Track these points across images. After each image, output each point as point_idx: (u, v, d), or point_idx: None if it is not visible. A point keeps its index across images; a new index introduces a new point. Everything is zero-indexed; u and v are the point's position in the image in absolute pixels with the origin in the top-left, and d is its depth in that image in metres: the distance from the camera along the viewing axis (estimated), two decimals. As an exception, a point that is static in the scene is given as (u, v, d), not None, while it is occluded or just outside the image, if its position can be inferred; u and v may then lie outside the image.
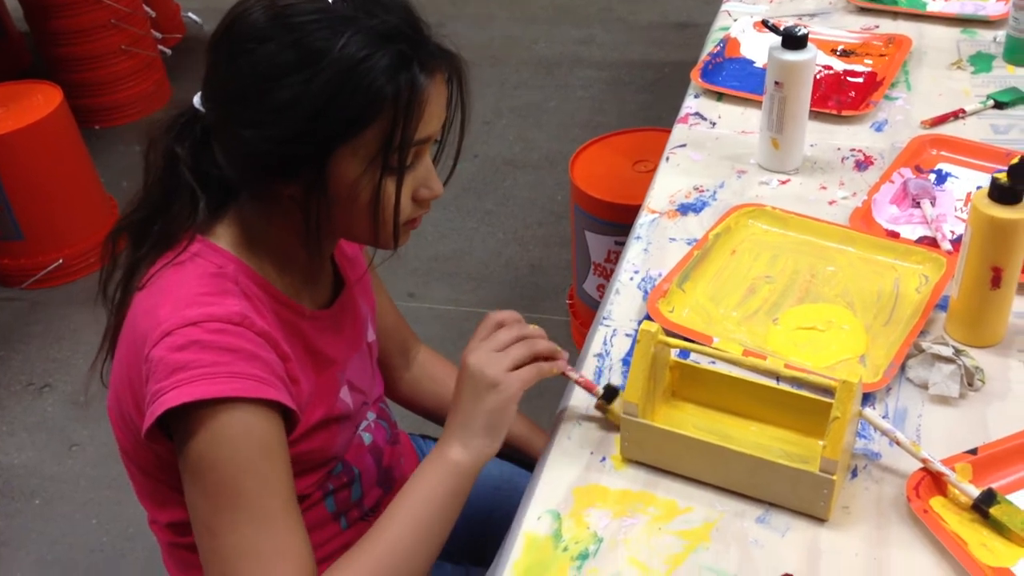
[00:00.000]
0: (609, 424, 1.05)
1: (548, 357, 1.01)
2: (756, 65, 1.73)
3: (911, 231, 1.32)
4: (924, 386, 1.07)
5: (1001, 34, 1.72)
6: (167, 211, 0.97)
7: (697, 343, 1.12)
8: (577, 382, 1.07)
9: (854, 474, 0.99)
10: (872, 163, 1.46)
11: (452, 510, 0.97)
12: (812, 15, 1.87)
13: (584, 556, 0.93)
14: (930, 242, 1.29)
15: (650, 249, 1.32)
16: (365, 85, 0.87)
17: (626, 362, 1.14)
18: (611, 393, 1.05)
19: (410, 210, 0.97)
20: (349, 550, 0.94)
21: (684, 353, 1.10)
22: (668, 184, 1.44)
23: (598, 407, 1.06)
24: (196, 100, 0.96)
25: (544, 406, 1.38)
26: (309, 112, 0.87)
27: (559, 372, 1.03)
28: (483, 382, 0.96)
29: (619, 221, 2.09)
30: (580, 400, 1.10)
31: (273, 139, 0.89)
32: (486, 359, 0.97)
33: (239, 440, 0.88)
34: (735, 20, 1.87)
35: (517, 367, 0.98)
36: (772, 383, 1.04)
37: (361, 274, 1.15)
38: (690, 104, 1.64)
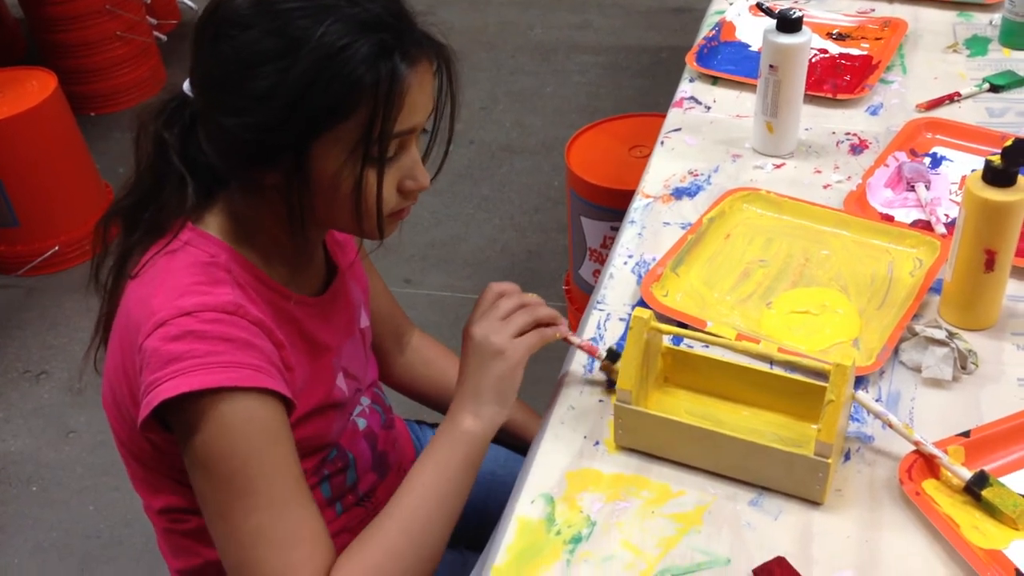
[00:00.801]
0: (607, 407, 1.05)
1: (549, 323, 1.03)
2: (751, 49, 1.72)
3: (905, 215, 1.32)
4: (917, 369, 1.07)
5: (997, 17, 1.71)
6: (157, 197, 0.96)
7: (691, 327, 1.12)
8: (579, 346, 1.08)
9: (847, 457, 0.99)
10: (867, 147, 1.45)
11: (467, 479, 0.99)
12: (808, -2, 1.86)
13: (577, 539, 0.93)
14: (924, 225, 1.29)
15: (644, 233, 1.31)
16: (344, 74, 0.86)
17: (620, 346, 1.14)
18: (614, 355, 1.06)
19: (395, 201, 0.96)
20: (368, 525, 0.95)
21: (676, 339, 1.10)
22: (663, 168, 1.44)
23: (603, 368, 1.08)
24: (186, 86, 0.96)
25: (540, 392, 1.38)
26: (288, 100, 0.86)
27: (561, 337, 1.05)
28: (489, 350, 0.98)
29: (615, 206, 2.08)
30: (574, 384, 1.10)
31: (253, 127, 0.88)
32: (490, 328, 0.99)
33: (243, 429, 0.88)
34: (731, 4, 1.86)
35: (520, 334, 1.00)
36: (764, 367, 1.04)
37: (351, 260, 1.15)
38: (685, 88, 1.63)
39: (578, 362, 1.13)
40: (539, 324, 1.02)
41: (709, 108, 1.57)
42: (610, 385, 1.08)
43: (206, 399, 0.87)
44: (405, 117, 0.90)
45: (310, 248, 1.06)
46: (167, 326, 0.88)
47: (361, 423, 1.15)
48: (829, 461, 0.90)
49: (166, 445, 0.95)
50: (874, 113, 1.53)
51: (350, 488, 1.13)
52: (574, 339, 1.08)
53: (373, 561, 0.92)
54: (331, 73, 0.86)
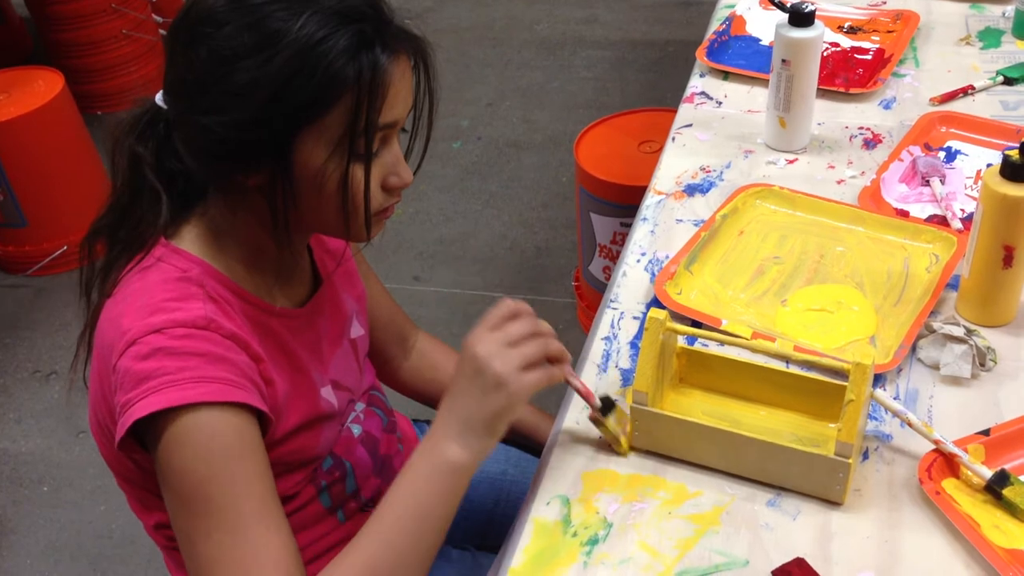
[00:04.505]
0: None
1: (557, 359, 0.94)
2: (762, 43, 1.71)
3: (921, 210, 1.31)
4: (935, 367, 1.06)
5: (1010, 9, 1.70)
6: (133, 213, 0.95)
7: (705, 326, 1.11)
8: (577, 390, 0.99)
9: (865, 456, 0.98)
10: (881, 141, 1.44)
11: (448, 510, 0.91)
12: (818, -8, 1.85)
13: (594, 541, 0.92)
14: (940, 220, 1.28)
15: (657, 231, 1.30)
16: (324, 66, 0.84)
17: (634, 345, 1.13)
18: (608, 406, 0.99)
19: (381, 199, 0.94)
20: (341, 552, 0.89)
21: (691, 339, 1.09)
22: (674, 165, 1.43)
23: (592, 419, 1.00)
24: (158, 97, 0.94)
25: (550, 392, 1.37)
26: (268, 94, 0.85)
27: (565, 377, 0.96)
28: (490, 379, 0.88)
29: (625, 202, 2.08)
30: (589, 384, 1.08)
31: (233, 124, 0.86)
32: (496, 352, 0.89)
33: (205, 445, 0.86)
34: (740, -2, 1.85)
35: (527, 366, 0.90)
36: (780, 366, 1.03)
37: (336, 267, 1.12)
38: (696, 83, 1.62)
39: (592, 361, 1.12)
40: (548, 359, 0.92)
41: (720, 103, 1.56)
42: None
43: (174, 416, 0.85)
44: (388, 109, 0.89)
45: (294, 255, 1.04)
46: (137, 344, 0.86)
47: (356, 429, 1.13)
48: (850, 461, 0.90)
49: (148, 463, 0.93)
50: (887, 107, 1.52)
51: (351, 495, 1.11)
52: (575, 381, 0.98)
53: None
54: (311, 65, 0.84)
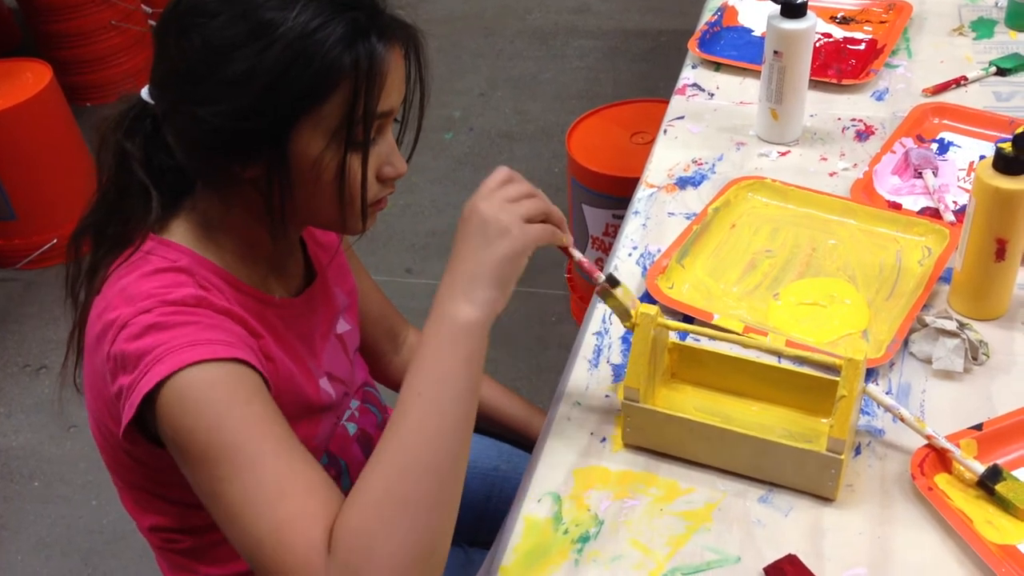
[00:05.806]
0: (614, 403, 1.03)
1: (557, 223, 0.93)
2: (754, 34, 1.70)
3: (913, 202, 1.30)
4: (928, 361, 1.06)
5: (1003, -1, 1.70)
6: (121, 210, 0.94)
7: (697, 320, 1.11)
8: (580, 263, 0.97)
9: (857, 451, 0.97)
10: (873, 133, 1.43)
11: (474, 378, 0.84)
12: (811, -18, 1.84)
13: (585, 539, 0.92)
14: (933, 213, 1.27)
15: (648, 224, 1.30)
16: (320, 55, 0.84)
17: (625, 340, 1.12)
18: (613, 280, 0.98)
19: (376, 189, 0.93)
20: (372, 454, 0.83)
21: (683, 334, 1.09)
22: (666, 157, 1.42)
23: (600, 292, 0.98)
24: (144, 92, 0.93)
25: (544, 383, 1.36)
26: (264, 85, 0.84)
27: (567, 244, 0.95)
28: (495, 227, 0.87)
29: (617, 194, 2.07)
30: (580, 380, 1.09)
31: (228, 115, 0.85)
32: (499, 206, 0.88)
33: (208, 396, 0.83)
34: (732, -12, 1.84)
35: (531, 220, 0.89)
36: (773, 361, 1.03)
37: (331, 258, 1.11)
38: (688, 75, 1.61)
39: (583, 356, 1.11)
40: (549, 219, 0.92)
41: (712, 95, 1.55)
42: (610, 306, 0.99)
43: (171, 382, 0.83)
44: (384, 97, 0.88)
45: (288, 248, 1.03)
46: (128, 327, 0.85)
47: (351, 428, 1.12)
48: (842, 457, 0.89)
49: (147, 457, 0.92)
50: (880, 98, 1.51)
51: (347, 494, 1.11)
52: (575, 252, 0.96)
53: (374, 498, 0.79)
54: (308, 54, 0.83)
